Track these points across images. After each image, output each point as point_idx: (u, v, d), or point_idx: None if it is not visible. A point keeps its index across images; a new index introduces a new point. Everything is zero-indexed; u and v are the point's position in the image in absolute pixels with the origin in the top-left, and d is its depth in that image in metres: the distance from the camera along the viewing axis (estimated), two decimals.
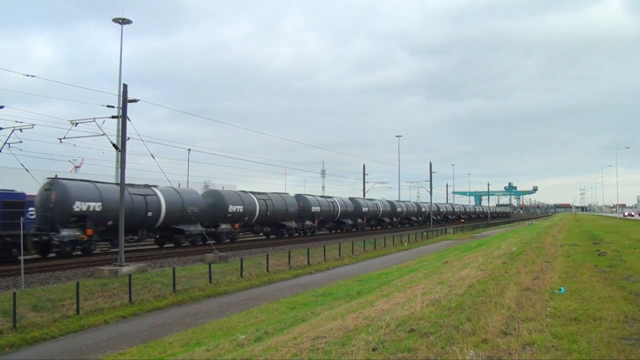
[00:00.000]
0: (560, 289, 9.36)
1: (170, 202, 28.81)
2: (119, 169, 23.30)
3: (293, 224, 40.53)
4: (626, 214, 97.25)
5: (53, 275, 19.01)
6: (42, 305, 14.71)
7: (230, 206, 33.10)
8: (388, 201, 64.01)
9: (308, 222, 43.32)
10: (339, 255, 30.61)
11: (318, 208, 44.56)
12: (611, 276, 11.38)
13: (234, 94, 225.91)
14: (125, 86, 21.43)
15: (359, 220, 54.29)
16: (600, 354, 5.44)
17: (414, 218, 73.18)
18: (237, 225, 34.46)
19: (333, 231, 50.25)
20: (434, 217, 75.40)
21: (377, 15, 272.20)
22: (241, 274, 21.74)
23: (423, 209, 76.49)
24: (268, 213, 37.13)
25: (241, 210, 34.13)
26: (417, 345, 5.98)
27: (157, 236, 30.63)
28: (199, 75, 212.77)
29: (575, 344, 5.75)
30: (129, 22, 40.83)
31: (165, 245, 31.08)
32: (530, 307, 7.85)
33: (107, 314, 15.01)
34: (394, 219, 65.56)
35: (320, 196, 46.21)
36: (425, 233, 50.39)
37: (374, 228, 59.61)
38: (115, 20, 40.43)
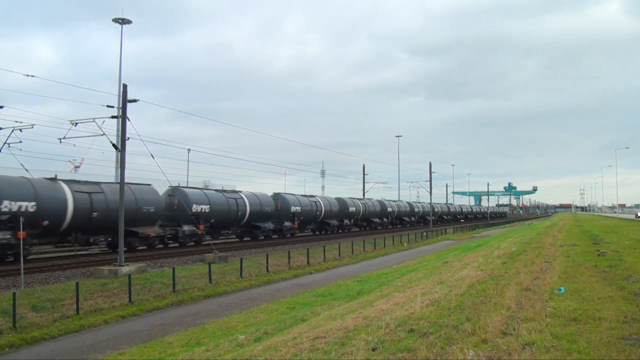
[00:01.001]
0: (560, 289, 9.37)
1: None
2: (119, 169, 23.29)
3: (155, 231, 27.77)
4: (639, 214, 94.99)
5: (53, 275, 19.02)
6: (42, 305, 14.71)
7: (6, 202, 20.17)
8: (336, 199, 50.54)
9: (187, 227, 29.94)
10: (339, 255, 30.71)
11: (206, 207, 30.95)
12: (611, 276, 11.39)
13: (234, 94, 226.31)
14: (125, 86, 21.45)
15: (287, 224, 40.03)
16: (600, 354, 5.45)
17: (377, 220, 58.94)
18: (23, 234, 18.37)
19: (246, 239, 36.46)
20: (410, 218, 72.47)
21: (378, 16, 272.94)
22: (241, 274, 21.74)
23: (390, 209, 62.70)
24: (95, 214, 23.84)
25: (32, 210, 21.09)
26: (417, 345, 5.98)
27: None
28: (199, 75, 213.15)
29: (575, 344, 5.76)
30: (129, 22, 40.86)
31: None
32: (530, 307, 7.85)
33: (107, 314, 15.02)
34: (345, 222, 51.25)
35: (217, 190, 34.61)
36: (425, 233, 50.52)
37: (316, 233, 46.23)
38: (115, 20, 40.44)
